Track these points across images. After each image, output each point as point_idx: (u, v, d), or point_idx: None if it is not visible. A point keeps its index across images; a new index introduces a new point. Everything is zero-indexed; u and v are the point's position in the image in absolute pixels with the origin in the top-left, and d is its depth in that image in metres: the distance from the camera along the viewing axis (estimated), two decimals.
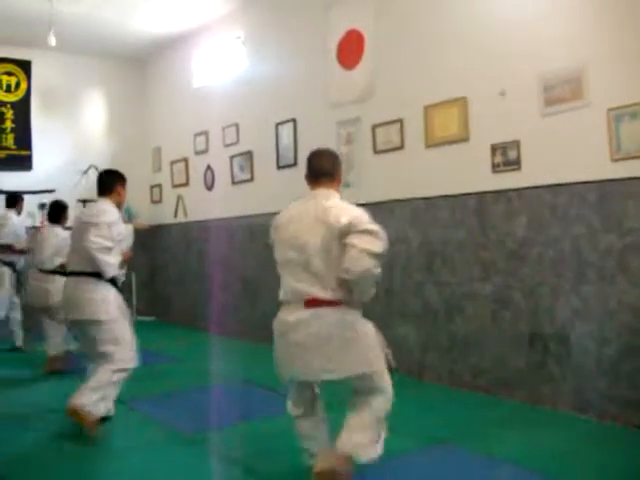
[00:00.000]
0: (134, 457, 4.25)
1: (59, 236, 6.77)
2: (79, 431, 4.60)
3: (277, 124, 8.01)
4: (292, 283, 3.50)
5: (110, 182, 5.38)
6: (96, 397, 4.57)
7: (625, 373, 4.61)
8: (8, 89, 10.00)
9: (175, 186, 10.24)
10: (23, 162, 10.09)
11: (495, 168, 5.45)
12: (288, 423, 4.80)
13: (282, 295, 3.58)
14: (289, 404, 3.75)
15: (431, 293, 6.03)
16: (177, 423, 4.97)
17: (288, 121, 7.84)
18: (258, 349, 7.87)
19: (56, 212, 7.02)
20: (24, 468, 4.05)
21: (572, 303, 4.92)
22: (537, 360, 5.17)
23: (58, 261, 6.64)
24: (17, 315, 7.94)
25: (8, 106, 10.01)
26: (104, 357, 4.70)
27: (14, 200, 8.25)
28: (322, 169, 3.75)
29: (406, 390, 5.70)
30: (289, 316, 3.48)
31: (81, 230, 4.92)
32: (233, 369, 6.73)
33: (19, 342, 7.96)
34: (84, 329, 4.87)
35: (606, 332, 4.72)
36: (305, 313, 3.42)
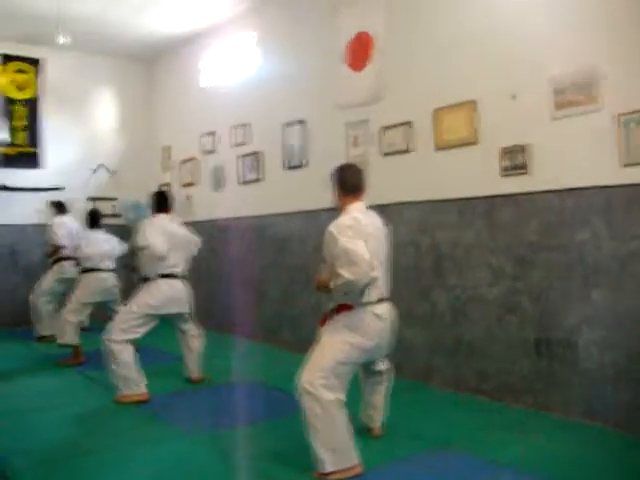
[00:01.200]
0: (139, 454, 4.25)
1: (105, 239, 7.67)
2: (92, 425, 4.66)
3: (286, 125, 8.01)
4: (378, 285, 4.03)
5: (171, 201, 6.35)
6: None
7: (633, 379, 4.58)
8: (20, 87, 10.03)
9: (184, 185, 10.24)
10: (34, 160, 10.15)
11: (504, 172, 5.42)
12: (297, 425, 4.82)
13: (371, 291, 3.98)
14: (339, 395, 3.81)
15: (438, 296, 6.01)
16: (185, 422, 4.97)
17: (297, 122, 7.84)
18: (264, 349, 7.92)
19: (96, 218, 7.78)
20: (35, 459, 4.08)
21: (580, 309, 4.89)
22: (544, 366, 5.14)
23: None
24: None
25: (20, 104, 10.05)
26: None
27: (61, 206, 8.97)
28: (362, 186, 4.24)
29: (412, 393, 5.74)
30: (381, 310, 4.06)
31: (180, 243, 6.07)
32: (239, 369, 6.72)
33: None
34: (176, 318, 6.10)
35: (614, 338, 4.69)
36: (387, 307, 4.14)
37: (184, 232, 6.26)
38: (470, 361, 5.71)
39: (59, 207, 8.94)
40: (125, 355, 5.57)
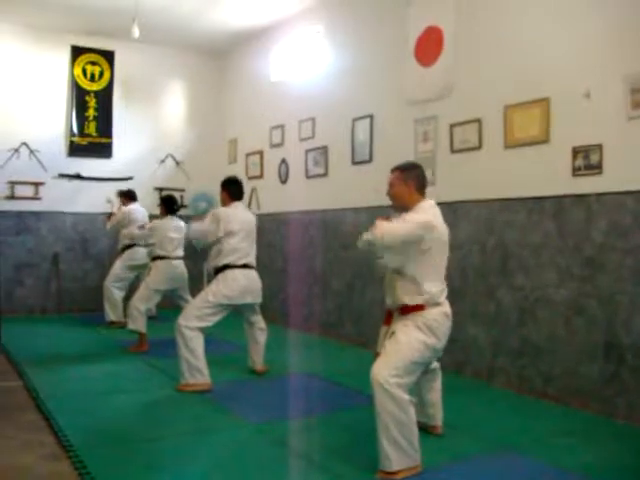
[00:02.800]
0: (199, 443, 4.32)
1: (178, 227, 7.63)
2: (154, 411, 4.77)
3: (353, 120, 8.00)
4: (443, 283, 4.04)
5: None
6: None
7: None
8: (92, 78, 10.29)
9: (250, 178, 10.33)
10: (104, 150, 10.38)
11: (576, 172, 5.31)
12: (353, 418, 4.84)
13: (440, 291, 3.99)
14: (409, 397, 3.81)
15: (504, 296, 5.93)
16: (244, 412, 5.03)
17: (365, 117, 7.82)
18: (326, 343, 7.95)
19: (172, 205, 7.79)
20: (98, 440, 4.18)
21: None
22: (611, 371, 5.02)
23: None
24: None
25: (92, 95, 10.30)
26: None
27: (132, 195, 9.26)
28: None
29: (474, 393, 5.68)
30: (449, 309, 4.03)
31: (252, 231, 6.14)
32: (301, 362, 6.76)
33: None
34: (244, 306, 6.11)
35: None
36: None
37: (254, 220, 6.27)
38: (535, 363, 5.62)
39: (129, 196, 9.14)
40: (196, 343, 5.65)
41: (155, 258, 7.55)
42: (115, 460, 3.97)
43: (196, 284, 8.92)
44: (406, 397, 3.73)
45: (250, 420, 4.83)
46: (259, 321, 6.30)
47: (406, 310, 3.95)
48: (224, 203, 6.17)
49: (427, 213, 3.97)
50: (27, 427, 4.56)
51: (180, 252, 7.62)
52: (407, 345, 3.81)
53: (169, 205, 7.70)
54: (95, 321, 9.11)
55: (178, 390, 5.60)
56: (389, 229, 3.82)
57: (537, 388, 5.59)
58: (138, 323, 7.29)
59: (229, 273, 5.87)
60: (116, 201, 9.53)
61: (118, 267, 8.87)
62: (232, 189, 6.20)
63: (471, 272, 6.24)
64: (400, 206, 4.12)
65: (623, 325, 4.94)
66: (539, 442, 4.45)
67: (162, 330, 7.72)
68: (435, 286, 3.94)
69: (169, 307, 8.29)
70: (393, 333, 3.93)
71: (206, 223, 6.00)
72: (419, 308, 3.91)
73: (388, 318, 4.15)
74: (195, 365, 5.62)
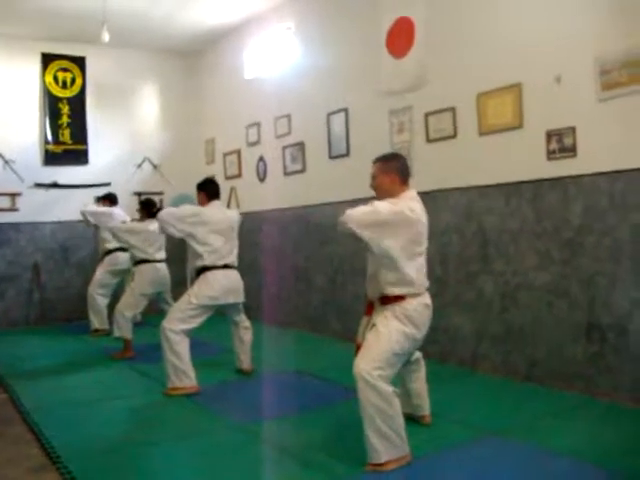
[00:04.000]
0: (189, 445, 4.31)
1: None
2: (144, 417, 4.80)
3: (329, 114, 7.99)
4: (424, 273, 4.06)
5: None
6: None
7: None
8: (64, 85, 10.20)
9: (228, 178, 10.30)
10: (79, 156, 10.30)
11: (550, 155, 5.33)
12: (340, 413, 4.84)
13: (420, 281, 3.99)
14: (392, 388, 3.81)
15: (485, 283, 5.95)
16: (232, 413, 5.02)
17: (340, 111, 7.81)
18: (309, 339, 7.95)
19: (152, 208, 7.65)
20: (89, 449, 4.16)
21: (631, 293, 4.80)
22: (594, 351, 5.06)
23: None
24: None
25: (64, 102, 10.22)
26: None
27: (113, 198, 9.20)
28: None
29: (459, 380, 5.71)
30: (429, 299, 4.04)
31: (232, 230, 6.11)
32: (284, 359, 6.76)
33: None
34: (227, 306, 6.07)
35: None
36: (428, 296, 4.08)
37: (232, 218, 6.23)
38: (519, 347, 5.65)
39: (110, 199, 9.07)
40: (181, 346, 5.62)
41: (138, 262, 7.49)
42: (104, 469, 3.95)
43: (180, 288, 8.90)
44: (389, 389, 3.74)
45: (238, 421, 4.82)
46: (243, 320, 6.28)
47: (386, 300, 3.95)
48: (202, 204, 6.11)
49: (400, 203, 3.92)
50: (13, 440, 4.52)
51: (162, 255, 7.59)
52: (387, 337, 3.81)
53: (149, 208, 7.64)
54: (79, 330, 9.04)
55: (165, 394, 5.57)
56: (352, 212, 3.79)
57: (522, 372, 5.62)
58: (124, 330, 7.25)
59: (209, 274, 5.84)
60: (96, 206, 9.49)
61: (100, 274, 8.79)
62: (209, 188, 6.18)
63: (452, 260, 6.25)
64: (383, 197, 4.08)
65: (604, 305, 4.98)
66: (526, 426, 4.48)
67: (147, 336, 7.70)
68: (415, 277, 3.93)
69: (153, 313, 8.26)
70: (374, 325, 3.93)
71: (182, 211, 5.90)
72: (399, 299, 3.91)
73: (369, 309, 4.15)
74: (181, 368, 5.59)
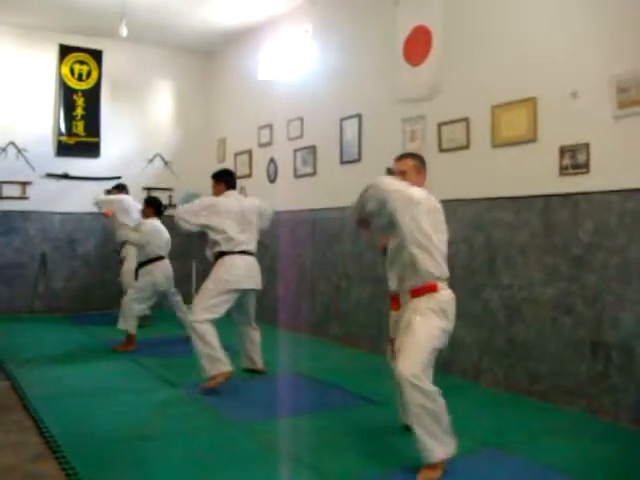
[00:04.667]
0: (190, 442, 4.31)
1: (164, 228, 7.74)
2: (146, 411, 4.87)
3: (342, 119, 8.00)
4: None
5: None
6: None
7: None
8: (80, 77, 10.25)
9: (238, 177, 10.26)
10: (91, 149, 10.34)
11: (563, 171, 5.33)
12: (341, 416, 4.85)
13: (446, 270, 3.98)
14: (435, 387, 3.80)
15: (491, 295, 5.94)
16: (233, 411, 5.02)
17: (353, 116, 7.82)
18: (314, 343, 7.94)
19: (160, 207, 7.86)
20: (91, 441, 4.17)
21: (637, 313, 4.78)
22: (598, 370, 5.04)
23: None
24: None
25: (79, 94, 10.27)
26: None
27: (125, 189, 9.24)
28: None
29: (461, 392, 5.69)
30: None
31: (250, 218, 6.06)
32: (289, 361, 6.76)
33: None
34: (245, 297, 6.05)
35: None
36: None
37: (253, 206, 6.19)
38: (522, 362, 5.63)
39: (121, 188, 9.11)
40: (210, 335, 5.62)
41: (153, 260, 7.53)
42: (102, 460, 3.96)
43: (185, 284, 8.93)
44: (433, 387, 3.73)
45: (239, 420, 4.82)
46: (252, 319, 6.29)
47: (420, 291, 3.88)
48: (218, 194, 6.08)
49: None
50: (13, 427, 4.53)
51: (167, 252, 7.67)
52: (427, 335, 3.77)
53: (157, 207, 7.71)
54: (83, 321, 9.07)
55: (205, 388, 5.53)
56: (381, 177, 3.87)
57: (524, 387, 5.60)
58: (130, 323, 7.27)
59: (227, 259, 5.84)
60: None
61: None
62: (226, 178, 6.17)
63: (459, 271, 6.24)
64: None
65: (610, 324, 4.96)
66: (525, 440, 4.47)
67: (151, 330, 7.71)
68: (443, 263, 3.94)
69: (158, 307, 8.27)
70: (409, 324, 3.85)
71: (196, 206, 5.90)
72: (432, 288, 3.85)
73: (395, 303, 4.08)
74: (216, 356, 5.58)
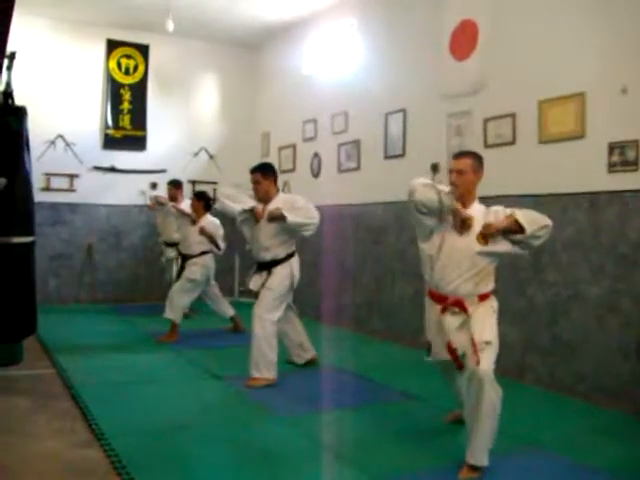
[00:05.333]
0: (229, 434, 4.36)
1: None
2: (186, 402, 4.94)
3: (386, 114, 7.97)
4: None
5: None
6: None
7: None
8: (127, 72, 10.39)
9: (282, 172, 10.35)
10: (138, 142, 10.48)
11: (611, 168, 5.24)
12: (382, 412, 4.84)
13: None
14: None
15: (535, 293, 5.88)
16: (274, 405, 5.06)
17: (398, 111, 7.79)
18: (356, 337, 7.93)
19: (210, 201, 7.94)
20: (130, 429, 4.25)
21: None
22: None
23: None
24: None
25: (126, 88, 10.40)
26: None
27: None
28: None
29: (503, 390, 5.62)
30: None
31: None
32: (329, 356, 6.77)
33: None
34: None
35: None
36: None
37: None
38: (566, 361, 5.57)
39: (179, 187, 9.07)
40: (275, 338, 5.67)
41: (204, 253, 7.67)
42: (146, 448, 4.03)
43: (228, 277, 9.01)
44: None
45: (280, 413, 4.85)
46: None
47: (486, 296, 4.03)
48: (271, 190, 5.88)
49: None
50: (60, 414, 4.63)
51: None
52: (496, 338, 3.92)
53: (207, 202, 7.86)
54: (127, 312, 9.21)
55: (249, 385, 5.51)
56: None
57: (567, 386, 5.54)
58: (177, 313, 7.39)
59: (294, 260, 5.91)
60: (149, 193, 9.68)
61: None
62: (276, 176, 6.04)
63: (503, 268, 6.17)
64: (462, 195, 3.99)
65: None
66: (567, 440, 4.42)
67: (193, 322, 7.79)
68: None
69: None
70: (482, 324, 3.91)
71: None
72: (490, 294, 4.06)
73: (444, 306, 4.01)
74: (273, 360, 5.61)
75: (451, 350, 3.89)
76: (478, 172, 4.05)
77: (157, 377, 5.84)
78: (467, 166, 4.01)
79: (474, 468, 3.72)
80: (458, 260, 3.93)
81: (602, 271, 5.30)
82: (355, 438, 4.31)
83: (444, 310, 3.97)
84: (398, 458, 3.95)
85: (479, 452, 3.71)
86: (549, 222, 3.89)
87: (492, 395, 3.69)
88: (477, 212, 4.01)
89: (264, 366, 5.55)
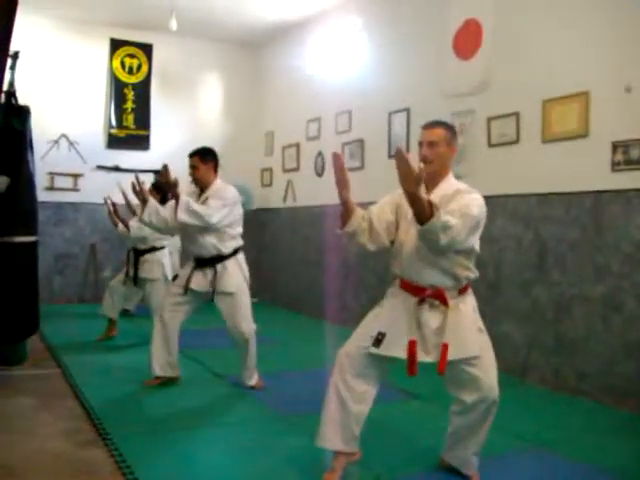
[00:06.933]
0: (233, 433, 4.37)
1: None
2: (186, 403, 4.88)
3: (390, 113, 7.97)
4: None
5: None
6: None
7: None
8: (130, 71, 10.40)
9: (286, 171, 10.36)
10: (141, 142, 10.49)
11: (615, 167, 5.23)
12: (384, 411, 4.83)
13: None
14: None
15: (540, 292, 5.87)
16: (278, 404, 5.06)
17: (401, 110, 7.78)
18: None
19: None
20: (135, 429, 4.25)
21: None
22: None
23: None
24: None
25: (129, 87, 10.41)
26: None
27: None
28: None
29: (507, 389, 5.59)
30: None
31: None
32: (333, 355, 6.74)
33: None
34: None
35: None
36: None
37: None
38: (570, 360, 5.56)
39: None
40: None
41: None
42: (151, 448, 4.03)
43: None
44: None
45: (283, 412, 4.86)
46: None
47: (465, 290, 3.51)
48: (207, 178, 5.56)
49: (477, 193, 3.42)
50: (64, 414, 4.63)
51: None
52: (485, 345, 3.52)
53: (164, 195, 7.64)
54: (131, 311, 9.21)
55: (253, 387, 5.53)
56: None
57: (571, 385, 5.53)
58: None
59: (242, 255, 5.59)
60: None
61: None
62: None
63: (506, 267, 6.18)
64: (434, 172, 3.46)
65: None
66: (572, 439, 4.41)
67: (194, 322, 7.77)
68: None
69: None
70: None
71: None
72: (467, 288, 3.50)
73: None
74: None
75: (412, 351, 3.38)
76: (452, 145, 3.50)
77: None
78: (439, 137, 3.48)
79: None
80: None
81: (606, 270, 5.29)
82: (360, 436, 4.30)
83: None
84: (398, 458, 3.95)
85: (469, 466, 3.68)
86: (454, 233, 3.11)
87: (493, 414, 3.60)
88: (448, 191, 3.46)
89: (256, 372, 5.55)
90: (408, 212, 3.41)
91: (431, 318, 3.44)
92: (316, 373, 6.07)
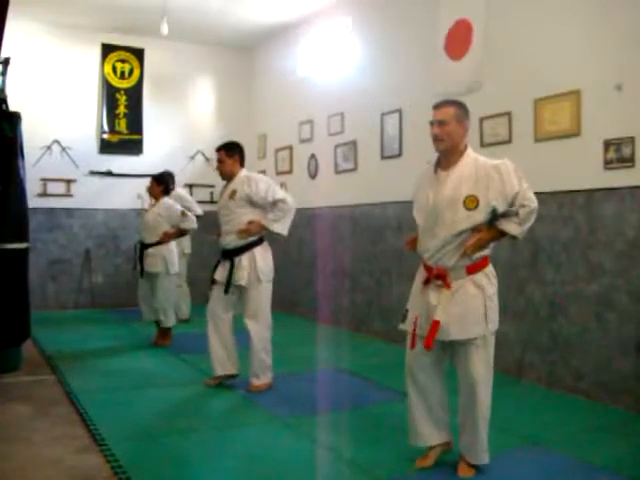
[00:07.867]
0: (230, 436, 4.35)
1: None
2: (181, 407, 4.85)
3: (383, 114, 7.97)
4: None
5: None
6: None
7: None
8: (122, 76, 10.39)
9: (279, 173, 10.35)
10: (134, 146, 10.48)
11: (607, 165, 5.24)
12: (382, 412, 4.84)
13: None
14: None
15: (534, 291, 5.87)
16: (274, 406, 5.06)
17: (394, 111, 7.79)
18: (355, 338, 7.93)
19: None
20: (130, 434, 4.23)
21: None
22: None
23: None
24: None
25: (122, 92, 10.40)
26: None
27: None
28: None
29: (503, 389, 5.63)
30: None
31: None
32: (329, 357, 6.77)
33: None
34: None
35: None
36: None
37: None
38: (566, 358, 5.57)
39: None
40: (270, 342, 5.67)
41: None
42: (146, 453, 4.03)
43: None
44: None
45: (279, 414, 4.85)
46: None
47: (475, 268, 3.77)
48: (234, 170, 5.82)
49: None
50: (59, 420, 4.62)
51: None
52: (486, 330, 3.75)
53: (167, 187, 7.78)
54: (126, 316, 9.19)
55: (251, 390, 5.47)
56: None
57: (567, 384, 5.53)
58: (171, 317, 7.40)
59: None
60: (146, 197, 9.61)
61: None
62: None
63: (500, 266, 6.18)
64: (446, 150, 3.62)
65: None
66: (569, 437, 4.41)
67: (194, 325, 7.78)
68: None
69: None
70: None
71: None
72: (486, 262, 3.77)
73: (445, 281, 3.63)
74: (269, 364, 5.57)
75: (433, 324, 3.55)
76: (463, 122, 3.63)
77: (157, 381, 5.83)
78: (449, 116, 3.60)
79: (471, 466, 3.72)
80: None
81: (600, 268, 5.30)
82: (355, 438, 4.31)
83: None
84: (398, 458, 3.94)
85: (478, 452, 3.69)
86: (534, 204, 3.71)
87: (486, 397, 3.65)
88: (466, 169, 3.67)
89: (262, 373, 5.53)
90: (423, 193, 3.71)
91: (432, 296, 3.64)
92: (314, 376, 6.09)
